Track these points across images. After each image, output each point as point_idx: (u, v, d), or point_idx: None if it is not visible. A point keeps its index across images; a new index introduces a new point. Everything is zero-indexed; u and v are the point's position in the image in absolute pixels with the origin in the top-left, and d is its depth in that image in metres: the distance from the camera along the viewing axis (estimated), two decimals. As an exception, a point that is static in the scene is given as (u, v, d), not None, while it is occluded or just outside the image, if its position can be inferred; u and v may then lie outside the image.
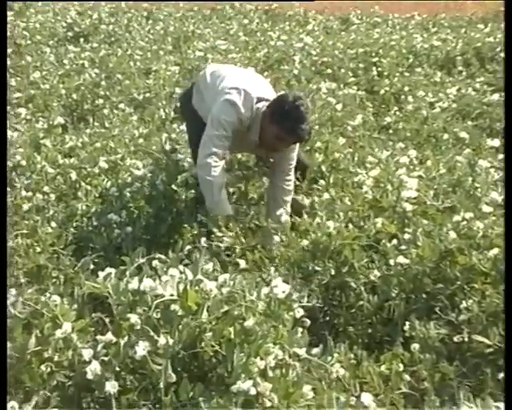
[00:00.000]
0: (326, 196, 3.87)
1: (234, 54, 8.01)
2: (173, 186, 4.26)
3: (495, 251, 2.98)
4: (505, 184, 2.67)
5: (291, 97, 3.80)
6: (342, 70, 7.55)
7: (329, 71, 7.52)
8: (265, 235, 3.78)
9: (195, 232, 3.72)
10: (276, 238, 3.61)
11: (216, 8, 12.80)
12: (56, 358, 2.25)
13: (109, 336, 2.25)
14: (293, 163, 4.13)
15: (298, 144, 4.09)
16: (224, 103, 3.86)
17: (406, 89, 6.87)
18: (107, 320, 2.41)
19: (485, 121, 5.95)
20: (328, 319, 3.16)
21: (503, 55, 8.10)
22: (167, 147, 4.93)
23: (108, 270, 2.47)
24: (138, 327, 2.24)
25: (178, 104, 4.81)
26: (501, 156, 4.49)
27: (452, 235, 3.14)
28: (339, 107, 5.88)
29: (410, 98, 6.55)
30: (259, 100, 3.91)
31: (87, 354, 2.17)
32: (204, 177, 3.82)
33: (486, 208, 3.35)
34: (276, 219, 3.74)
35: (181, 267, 2.49)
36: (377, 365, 2.70)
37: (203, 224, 3.79)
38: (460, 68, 7.94)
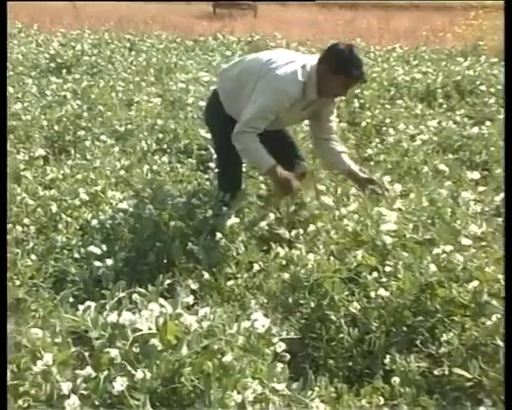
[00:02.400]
0: (312, 227, 3.87)
1: (216, 86, 8.01)
2: (162, 217, 4.28)
3: (475, 284, 3.00)
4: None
5: (345, 46, 4.09)
6: (324, 102, 7.58)
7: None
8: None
9: (181, 267, 3.75)
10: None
11: (199, 39, 12.88)
12: (34, 392, 2.22)
13: (88, 371, 2.23)
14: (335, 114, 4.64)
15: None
16: (272, 90, 4.10)
17: (388, 121, 6.92)
18: (86, 354, 2.40)
19: (466, 154, 5.99)
20: (308, 352, 3.14)
21: (482, 87, 8.22)
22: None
23: (88, 303, 2.46)
24: (118, 361, 2.23)
25: (205, 117, 4.98)
26: (481, 189, 4.54)
27: (432, 268, 3.15)
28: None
29: (391, 130, 6.58)
30: (304, 65, 4.16)
31: (66, 387, 2.15)
32: (241, 146, 4.18)
33: (466, 241, 3.37)
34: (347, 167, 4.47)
35: (161, 301, 2.48)
36: (357, 398, 2.69)
37: (193, 256, 3.82)
38: (440, 101, 8.02)
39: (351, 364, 3.06)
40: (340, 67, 4.05)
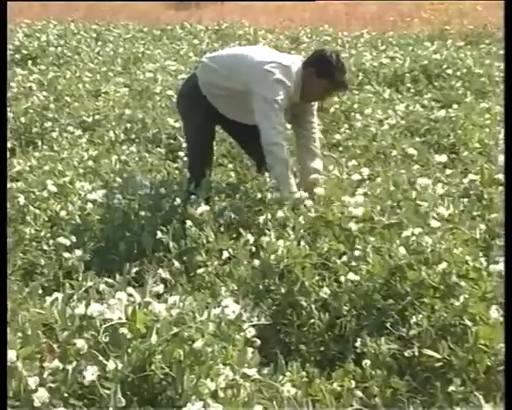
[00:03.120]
0: (280, 213, 3.86)
1: (184, 75, 7.98)
2: (132, 207, 4.26)
3: (443, 265, 3.01)
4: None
5: (332, 53, 4.29)
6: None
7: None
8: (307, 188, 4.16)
9: (152, 256, 3.74)
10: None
11: (166, 28, 12.81)
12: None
13: (56, 363, 2.21)
14: (315, 109, 4.62)
15: None
16: (271, 83, 4.17)
17: (356, 106, 6.92)
18: (55, 346, 2.38)
19: (433, 137, 6.00)
20: (279, 337, 3.15)
21: (449, 71, 8.27)
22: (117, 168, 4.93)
23: (55, 295, 2.44)
24: (85, 351, 2.21)
25: (180, 105, 4.84)
26: (448, 171, 4.57)
27: (402, 251, 3.17)
28: (289, 125, 5.91)
29: (359, 116, 6.58)
30: (292, 64, 4.27)
31: (33, 382, 2.13)
32: (279, 155, 4.19)
33: (434, 223, 3.39)
34: (313, 170, 4.41)
35: (129, 290, 2.47)
36: (329, 382, 2.70)
37: (163, 245, 3.79)
38: (408, 85, 8.04)
39: (322, 348, 3.08)
40: (325, 71, 4.18)
